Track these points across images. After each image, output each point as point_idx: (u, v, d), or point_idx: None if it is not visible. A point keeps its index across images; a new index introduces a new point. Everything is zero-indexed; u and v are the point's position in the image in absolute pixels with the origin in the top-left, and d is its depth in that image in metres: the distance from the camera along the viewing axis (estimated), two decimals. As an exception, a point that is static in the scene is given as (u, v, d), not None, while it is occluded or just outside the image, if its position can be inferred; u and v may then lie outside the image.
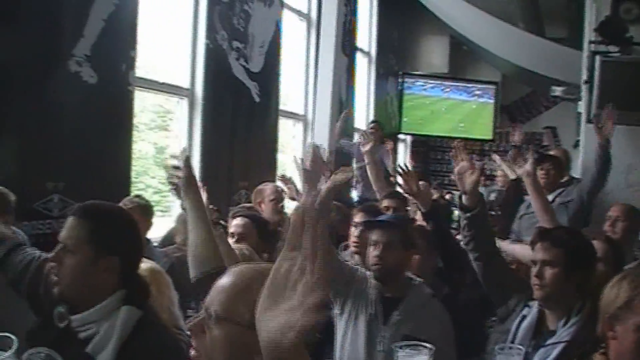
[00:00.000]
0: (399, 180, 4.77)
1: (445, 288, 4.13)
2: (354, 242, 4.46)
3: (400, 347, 2.59)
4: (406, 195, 5.02)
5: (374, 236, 3.58)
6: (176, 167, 2.85)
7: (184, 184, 2.82)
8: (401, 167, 4.84)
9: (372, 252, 3.55)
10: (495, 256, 3.68)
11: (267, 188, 6.04)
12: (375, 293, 3.51)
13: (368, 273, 3.63)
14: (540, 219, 4.57)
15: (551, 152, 7.50)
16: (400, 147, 15.45)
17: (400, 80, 14.68)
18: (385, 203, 5.39)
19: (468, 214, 3.61)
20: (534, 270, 3.07)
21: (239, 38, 8.22)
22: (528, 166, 4.71)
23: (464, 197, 3.70)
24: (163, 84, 7.33)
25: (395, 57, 14.62)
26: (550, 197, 5.71)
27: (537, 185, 4.76)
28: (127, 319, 2.33)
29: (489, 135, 15.22)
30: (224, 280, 1.76)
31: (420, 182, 6.33)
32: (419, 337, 3.24)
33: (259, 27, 8.61)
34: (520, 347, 2.83)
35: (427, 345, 2.53)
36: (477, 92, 15.18)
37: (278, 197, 5.87)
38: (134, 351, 2.28)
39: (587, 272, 3.09)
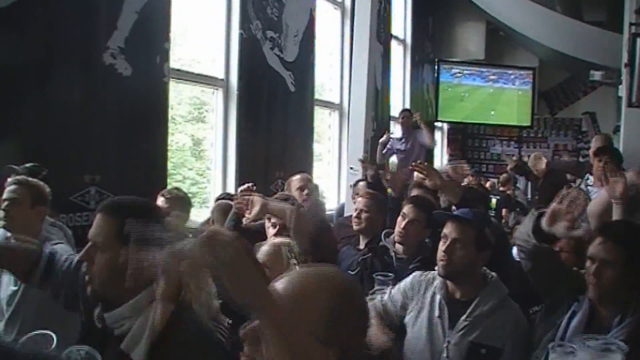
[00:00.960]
0: (420, 176, 4.65)
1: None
2: (400, 233, 4.39)
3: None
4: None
5: (446, 229, 3.37)
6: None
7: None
8: (416, 164, 4.72)
9: (440, 247, 3.35)
10: (543, 254, 3.50)
11: (293, 179, 5.98)
12: (443, 294, 3.33)
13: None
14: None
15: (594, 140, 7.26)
16: (437, 135, 15.35)
17: (436, 67, 14.57)
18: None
19: (538, 244, 3.31)
20: (592, 268, 2.86)
21: (273, 27, 8.19)
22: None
23: (545, 225, 3.30)
24: (198, 75, 7.33)
25: (431, 44, 14.51)
26: None
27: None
28: (159, 313, 2.29)
29: (527, 122, 15.05)
30: (282, 285, 1.67)
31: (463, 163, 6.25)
32: (486, 344, 3.13)
33: (293, 16, 8.57)
34: (574, 346, 2.71)
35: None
36: (514, 78, 15.01)
37: (304, 186, 5.80)
38: (169, 346, 2.25)
39: None
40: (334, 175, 10.34)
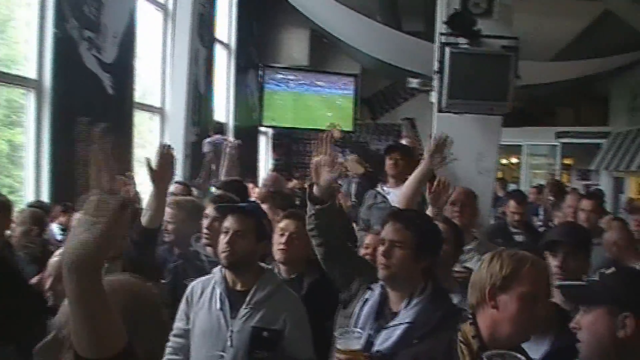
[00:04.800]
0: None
1: (317, 272, 4.01)
2: (205, 234, 4.36)
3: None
4: None
5: (226, 223, 3.50)
6: None
7: None
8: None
9: (222, 239, 3.47)
10: (339, 244, 3.62)
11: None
12: (223, 287, 3.46)
13: (216, 269, 3.56)
14: (400, 203, 4.52)
15: (402, 141, 7.52)
16: (262, 140, 15.45)
17: (260, 72, 14.66)
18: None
19: (317, 207, 3.55)
20: (382, 249, 3.04)
21: (91, 27, 7.95)
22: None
23: (315, 189, 3.55)
24: (8, 75, 6.99)
25: (256, 49, 14.60)
26: None
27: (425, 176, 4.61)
28: None
29: (349, 127, 15.40)
30: None
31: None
32: (268, 327, 3.32)
33: (112, 16, 8.36)
34: (360, 330, 2.86)
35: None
36: (337, 85, 15.36)
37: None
38: None
39: (434, 255, 3.12)
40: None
